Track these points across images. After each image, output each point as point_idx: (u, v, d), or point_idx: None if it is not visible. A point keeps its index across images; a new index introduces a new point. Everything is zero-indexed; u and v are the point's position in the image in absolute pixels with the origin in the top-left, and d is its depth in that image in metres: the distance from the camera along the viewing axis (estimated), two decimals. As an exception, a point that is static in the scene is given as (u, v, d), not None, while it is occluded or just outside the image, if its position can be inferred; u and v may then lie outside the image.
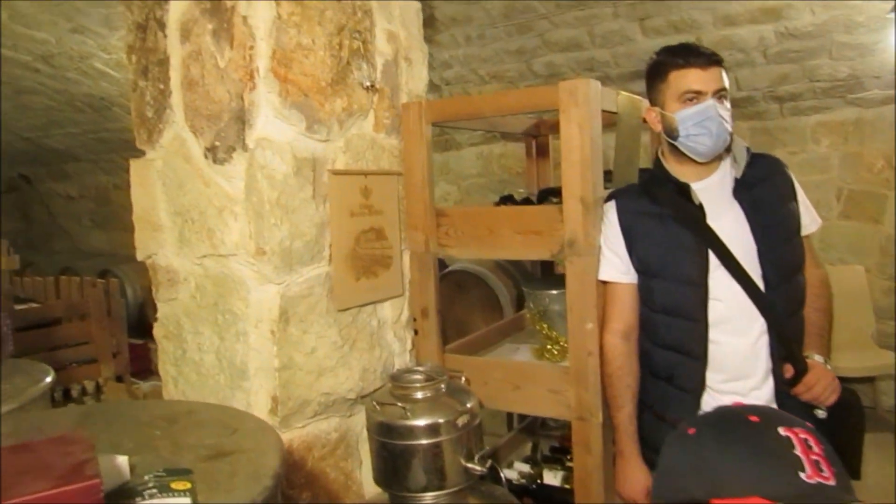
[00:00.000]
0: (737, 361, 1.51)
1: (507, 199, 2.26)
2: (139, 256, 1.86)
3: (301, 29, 1.55)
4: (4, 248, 4.07)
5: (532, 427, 2.63)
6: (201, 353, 1.72)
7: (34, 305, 3.86)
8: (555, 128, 2.58)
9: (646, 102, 1.65)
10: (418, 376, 1.69)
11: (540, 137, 2.58)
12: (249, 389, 1.61)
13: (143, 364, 4.96)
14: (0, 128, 7.21)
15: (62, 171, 8.64)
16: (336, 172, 1.66)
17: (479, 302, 4.01)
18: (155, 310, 1.92)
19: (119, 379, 3.91)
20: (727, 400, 1.46)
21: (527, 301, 2.17)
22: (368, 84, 1.71)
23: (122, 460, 0.92)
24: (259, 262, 1.55)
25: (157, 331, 1.86)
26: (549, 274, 2.67)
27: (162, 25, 1.69)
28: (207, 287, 1.68)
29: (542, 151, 2.61)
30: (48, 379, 1.87)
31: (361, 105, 1.73)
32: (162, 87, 1.71)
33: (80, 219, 8.79)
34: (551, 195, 2.12)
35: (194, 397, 1.76)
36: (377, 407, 1.63)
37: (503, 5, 3.22)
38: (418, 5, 1.94)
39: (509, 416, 2.86)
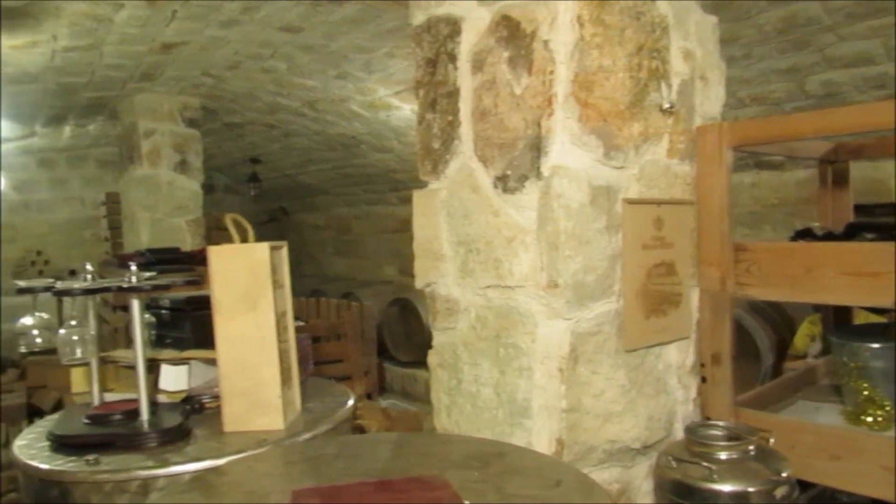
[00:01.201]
0: None
1: (804, 234, 1.97)
2: (418, 284, 1.89)
3: (603, 50, 1.47)
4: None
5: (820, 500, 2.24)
6: (478, 385, 1.69)
7: (300, 323, 4.26)
8: (857, 152, 2.22)
9: None
10: (719, 432, 1.49)
11: (838, 163, 2.24)
12: (531, 429, 1.53)
13: (379, 381, 5.26)
14: (256, 165, 8.21)
15: (312, 203, 9.64)
16: (630, 202, 1.54)
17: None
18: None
19: (368, 396, 4.15)
20: None
21: (835, 353, 1.85)
22: (667, 106, 1.58)
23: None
24: (550, 296, 1.47)
25: (432, 358, 1.87)
26: (844, 318, 2.29)
27: (453, 58, 1.72)
28: (489, 318, 1.64)
29: (839, 179, 2.26)
30: (350, 401, 1.96)
31: (657, 129, 1.60)
32: (450, 118, 1.73)
33: (324, 246, 9.72)
34: (863, 230, 1.80)
35: (468, 429, 1.72)
36: (673, 463, 1.46)
37: (779, 19, 2.91)
38: (715, 20, 1.78)
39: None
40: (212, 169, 9.46)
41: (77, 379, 2.10)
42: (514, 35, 1.53)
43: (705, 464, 1.39)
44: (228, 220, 1.85)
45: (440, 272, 1.81)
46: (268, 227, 10.56)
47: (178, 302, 2.02)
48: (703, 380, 1.74)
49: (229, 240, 1.86)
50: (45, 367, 6.02)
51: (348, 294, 7.30)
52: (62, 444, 1.62)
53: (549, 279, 1.47)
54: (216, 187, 9.96)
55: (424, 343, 1.99)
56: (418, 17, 1.82)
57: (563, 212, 1.45)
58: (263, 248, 1.73)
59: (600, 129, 1.48)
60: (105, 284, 1.70)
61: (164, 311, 2.11)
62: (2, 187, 7.74)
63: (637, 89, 1.53)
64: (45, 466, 1.51)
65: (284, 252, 1.89)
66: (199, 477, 1.43)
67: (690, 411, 1.76)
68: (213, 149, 8.12)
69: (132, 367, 2.00)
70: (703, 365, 1.74)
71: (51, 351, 6.33)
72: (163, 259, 5.02)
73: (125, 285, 1.64)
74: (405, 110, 5.26)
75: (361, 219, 8.78)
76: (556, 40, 1.45)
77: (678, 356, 1.72)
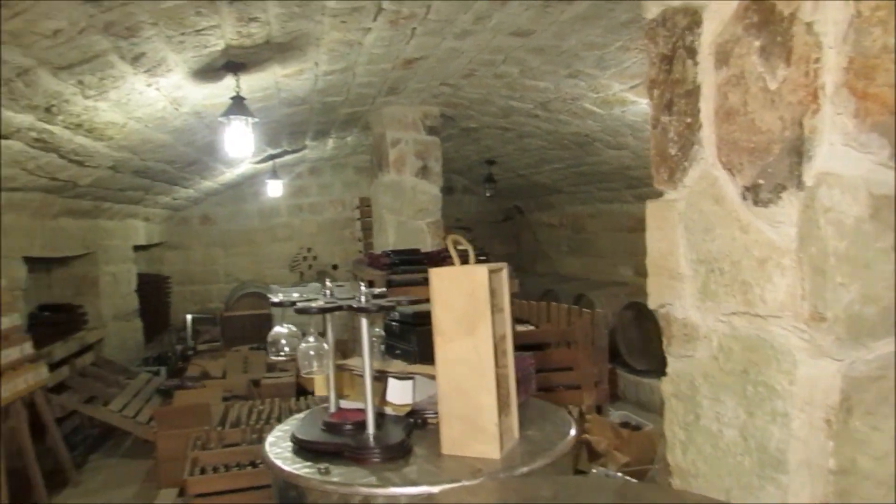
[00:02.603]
0: None
1: None
2: (651, 304, 1.72)
3: (887, 27, 1.18)
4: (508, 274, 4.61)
5: None
6: (720, 424, 1.47)
7: (530, 328, 4.25)
8: None
9: None
10: None
11: None
12: (787, 487, 1.29)
13: (610, 389, 5.04)
14: (486, 166, 8.35)
15: (547, 202, 9.62)
16: (928, 215, 1.21)
17: None
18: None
19: (598, 409, 4.00)
20: None
21: None
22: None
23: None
24: (814, 330, 1.22)
25: (667, 387, 1.69)
26: None
27: (692, 52, 1.52)
28: (734, 350, 1.42)
29: None
30: (572, 432, 1.86)
31: (969, 120, 1.24)
32: (689, 120, 1.54)
33: (558, 245, 9.66)
34: None
35: (706, 473, 1.52)
36: None
37: None
38: None
39: None
40: (451, 171, 9.97)
41: (319, 382, 2.28)
42: (767, 20, 1.29)
43: None
44: (449, 242, 1.86)
45: (676, 293, 1.62)
46: (503, 226, 10.81)
47: (407, 315, 2.09)
48: None
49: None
50: (311, 353, 6.83)
51: (581, 296, 7.15)
52: (301, 447, 1.76)
53: (814, 310, 1.22)
54: (455, 188, 10.46)
55: (663, 352, 1.80)
56: (652, 11, 1.65)
57: (832, 229, 1.19)
58: (482, 271, 1.69)
59: (884, 125, 1.19)
60: (338, 303, 1.80)
61: (394, 323, 2.20)
62: (280, 192, 8.93)
63: (939, 71, 1.20)
64: (286, 468, 1.64)
65: (504, 274, 1.85)
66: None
67: None
68: (452, 153, 8.52)
69: (363, 376, 2.13)
70: None
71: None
72: (404, 259, 5.38)
73: (355, 305, 1.72)
74: (641, 105, 4.96)
75: (596, 217, 8.55)
76: (824, 21, 1.19)
77: None
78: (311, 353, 1.83)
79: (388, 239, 6.32)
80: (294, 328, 2.04)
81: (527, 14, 3.68)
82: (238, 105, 3.77)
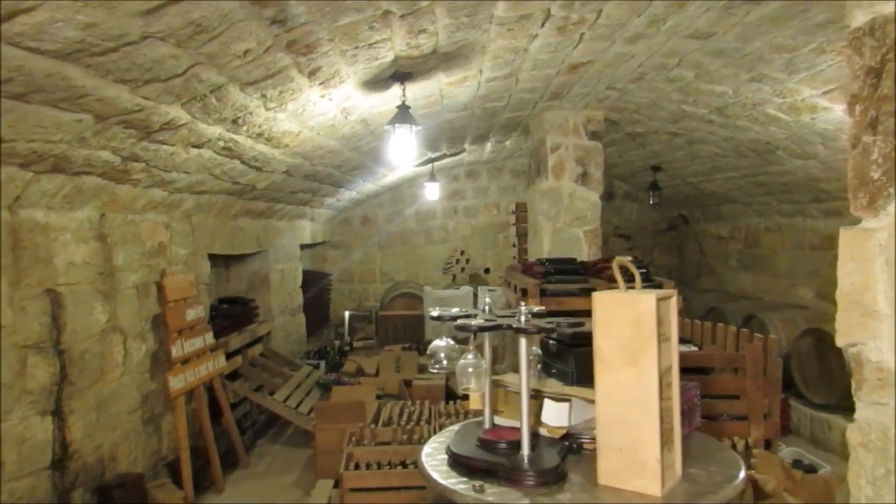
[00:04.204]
0: None
1: None
2: (839, 342, 1.49)
3: None
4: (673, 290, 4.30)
5: None
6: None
7: (693, 349, 3.93)
8: None
9: None
10: None
11: None
12: None
13: (781, 422, 4.54)
14: (654, 173, 7.90)
15: (716, 212, 8.97)
16: None
17: None
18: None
19: (767, 444, 3.62)
20: None
21: None
22: None
23: None
24: None
25: (854, 435, 1.46)
26: None
27: (918, 65, 1.27)
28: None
29: None
30: (741, 475, 1.67)
31: None
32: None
33: (727, 259, 8.97)
34: None
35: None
36: None
37: None
38: None
39: None
40: (612, 177, 9.62)
41: (474, 397, 2.24)
42: None
43: None
44: (615, 266, 1.73)
45: (871, 332, 1.39)
46: (665, 236, 10.25)
47: (564, 336, 1.98)
48: None
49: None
50: (461, 357, 6.90)
51: (751, 317, 6.57)
52: (456, 461, 1.72)
53: None
54: (616, 194, 10.08)
55: (846, 386, 1.57)
56: (858, 18, 1.42)
57: None
58: (650, 300, 1.55)
59: None
60: (497, 322, 1.74)
61: (551, 342, 2.11)
62: (437, 195, 9.11)
63: None
64: (441, 482, 1.62)
65: (673, 302, 1.68)
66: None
67: None
68: (615, 158, 8.21)
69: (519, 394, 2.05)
70: None
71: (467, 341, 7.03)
72: (559, 269, 5.24)
73: (514, 325, 1.65)
74: (835, 112, 4.43)
75: (774, 231, 7.82)
76: None
77: None
78: (470, 370, 1.79)
79: (543, 246, 6.20)
80: (453, 342, 2.02)
81: (706, 16, 3.40)
82: (403, 113, 3.85)
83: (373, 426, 4.79)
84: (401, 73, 3.75)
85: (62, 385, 3.57)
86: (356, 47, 3.14)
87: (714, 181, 7.82)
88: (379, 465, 4.19)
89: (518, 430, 1.82)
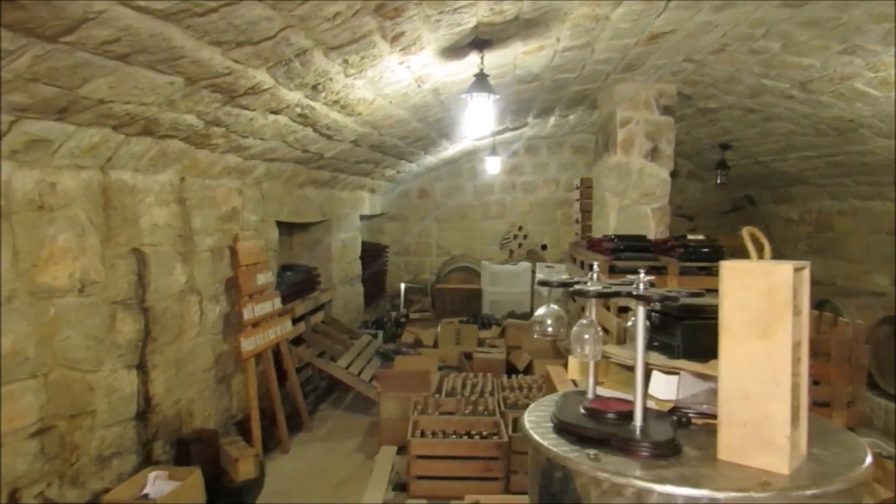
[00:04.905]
0: None
1: None
2: None
3: None
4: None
5: None
6: None
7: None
8: None
9: None
10: None
11: None
12: None
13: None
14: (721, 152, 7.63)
15: (786, 193, 8.67)
16: None
17: None
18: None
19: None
20: None
21: None
22: None
23: None
24: None
25: None
26: None
27: None
28: None
29: None
30: (868, 459, 1.61)
31: None
32: None
33: (796, 243, 8.67)
34: None
35: None
36: None
37: None
38: None
39: None
40: (677, 154, 9.31)
41: (573, 366, 2.22)
42: None
43: None
44: (745, 234, 1.67)
45: None
46: (730, 217, 9.96)
47: (671, 308, 1.93)
48: None
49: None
50: (521, 330, 6.87)
51: (824, 302, 6.34)
52: (564, 429, 1.71)
53: None
54: (679, 173, 9.80)
55: None
56: None
57: None
58: (786, 269, 1.49)
59: None
60: (615, 290, 1.70)
61: (653, 314, 2.06)
62: (498, 169, 9.03)
63: None
64: (554, 449, 1.61)
65: (807, 274, 1.61)
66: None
67: None
68: (682, 135, 7.96)
69: (622, 365, 2.02)
70: None
71: (527, 315, 7.15)
72: (629, 245, 5.14)
73: (635, 293, 1.61)
74: (936, 86, 4.19)
75: (848, 215, 7.51)
76: None
77: None
78: (586, 336, 1.76)
79: (609, 223, 6.09)
80: (560, 310, 1.99)
81: (807, -19, 3.24)
82: (481, 82, 3.80)
83: (437, 396, 4.84)
84: (479, 41, 3.69)
85: (146, 341, 3.70)
86: (441, 12, 3.10)
87: (787, 160, 7.54)
88: (445, 434, 4.23)
89: (624, 401, 1.79)
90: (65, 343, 3.10)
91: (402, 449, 4.55)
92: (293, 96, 3.62)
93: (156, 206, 3.79)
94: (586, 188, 6.75)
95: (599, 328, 1.80)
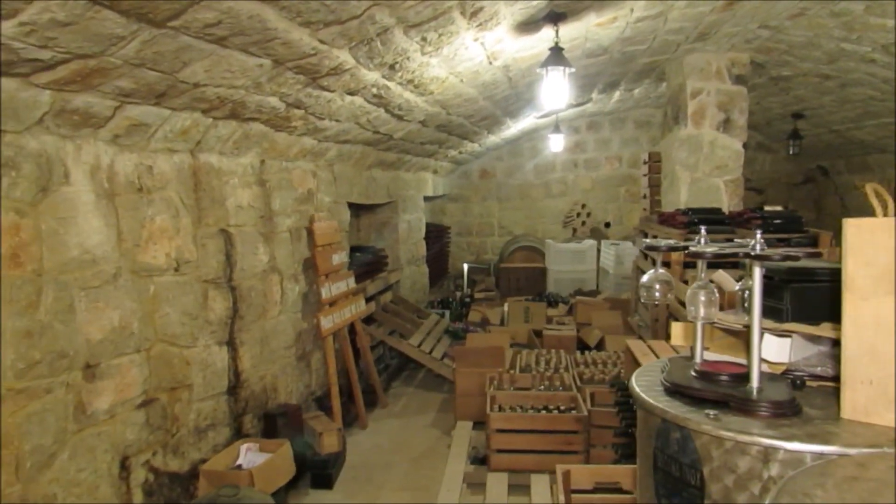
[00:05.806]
0: None
1: None
2: None
3: None
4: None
5: None
6: None
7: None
8: None
9: None
10: None
11: None
12: None
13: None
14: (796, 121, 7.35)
15: (863, 162, 8.31)
16: None
17: None
18: None
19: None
20: None
21: None
22: None
23: None
24: None
25: None
26: None
27: None
28: None
29: None
30: None
31: None
32: None
33: (871, 213, 8.30)
34: None
35: None
36: None
37: None
38: None
39: None
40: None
41: (676, 331, 2.20)
42: None
43: None
44: (870, 190, 1.62)
45: None
46: (802, 189, 9.62)
47: (777, 271, 1.90)
48: None
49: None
50: (590, 307, 6.83)
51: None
52: (677, 391, 1.70)
53: None
54: (747, 145, 9.45)
55: None
56: None
57: None
58: (916, 224, 1.45)
59: None
60: (733, 249, 1.69)
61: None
62: (561, 147, 8.94)
63: None
64: (671, 411, 1.60)
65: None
66: (834, 463, 1.31)
67: None
68: (752, 105, 7.68)
69: (726, 330, 1.99)
70: None
71: (594, 293, 7.07)
72: (704, 219, 5.02)
73: (753, 253, 1.59)
74: None
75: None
76: None
77: None
78: (703, 298, 1.74)
79: (680, 197, 5.97)
80: (668, 274, 1.98)
81: (906, -68, 3.09)
82: (556, 55, 3.77)
83: (511, 371, 4.87)
84: (555, 14, 3.66)
85: (234, 319, 3.84)
86: (520, -15, 3.09)
87: (864, 128, 7.21)
88: (522, 409, 4.27)
89: (735, 364, 1.78)
90: (164, 319, 3.25)
91: (478, 424, 4.61)
92: (371, 76, 3.67)
93: (239, 187, 3.92)
94: (654, 163, 6.61)
95: (715, 289, 1.78)
